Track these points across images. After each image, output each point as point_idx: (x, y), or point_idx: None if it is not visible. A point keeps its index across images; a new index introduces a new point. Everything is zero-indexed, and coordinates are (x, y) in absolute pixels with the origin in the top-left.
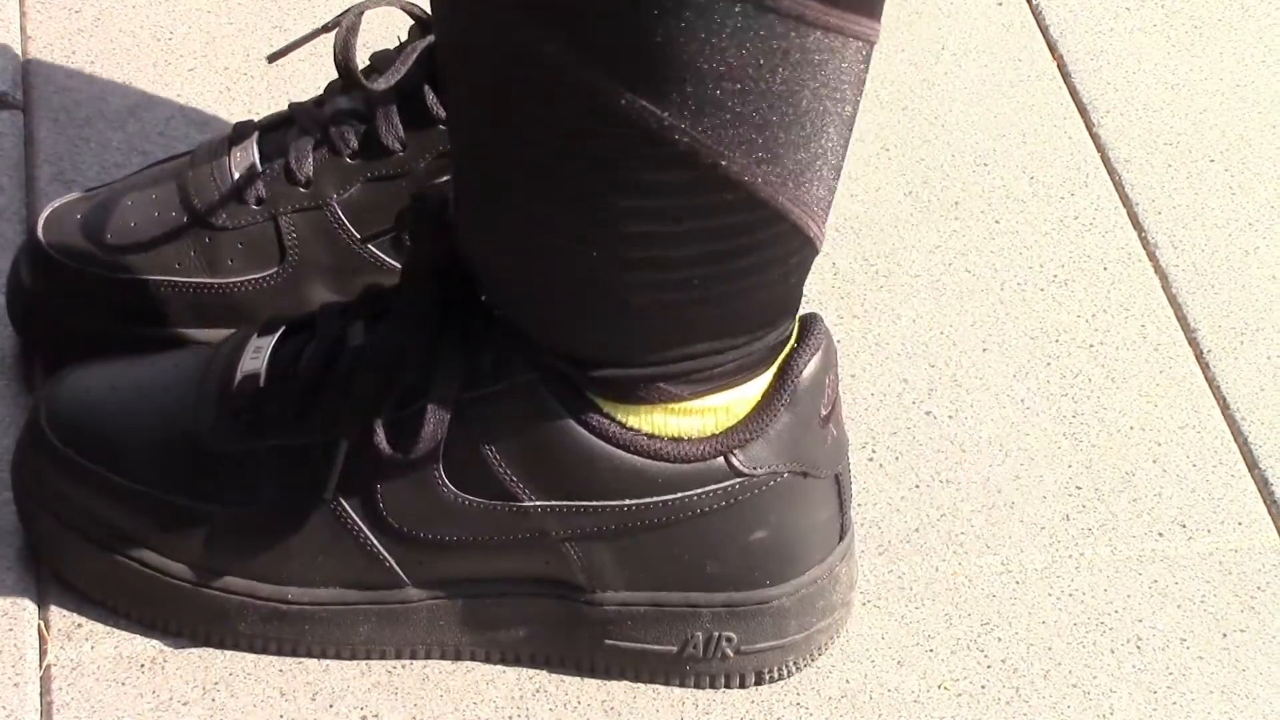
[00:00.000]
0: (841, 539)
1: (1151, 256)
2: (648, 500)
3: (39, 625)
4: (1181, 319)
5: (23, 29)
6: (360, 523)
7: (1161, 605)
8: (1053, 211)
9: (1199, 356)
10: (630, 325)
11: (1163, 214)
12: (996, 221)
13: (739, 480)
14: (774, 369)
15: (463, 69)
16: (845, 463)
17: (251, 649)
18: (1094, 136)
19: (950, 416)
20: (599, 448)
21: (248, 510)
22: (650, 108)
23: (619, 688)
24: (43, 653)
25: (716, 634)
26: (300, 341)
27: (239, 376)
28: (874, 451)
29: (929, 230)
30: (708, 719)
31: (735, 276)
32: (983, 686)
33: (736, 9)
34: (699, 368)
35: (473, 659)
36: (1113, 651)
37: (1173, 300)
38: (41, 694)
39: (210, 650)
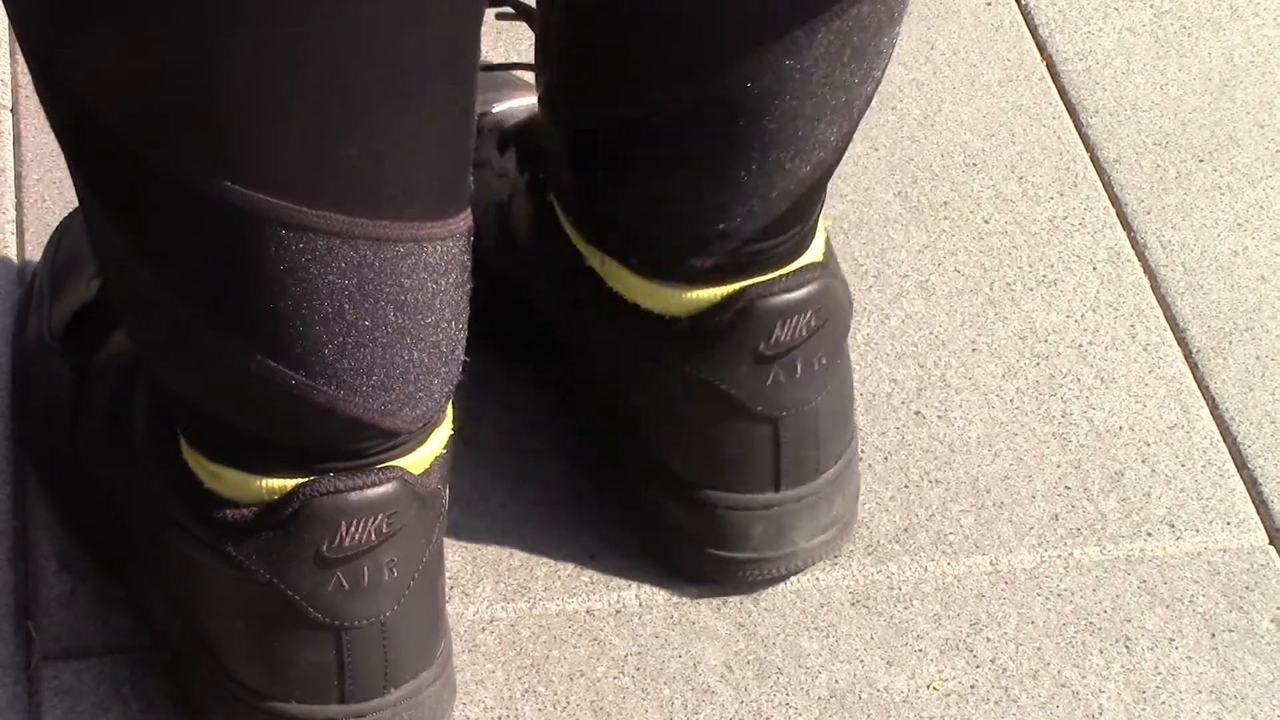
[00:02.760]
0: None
1: (1140, 256)
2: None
3: (27, 625)
4: (1170, 319)
5: (10, 29)
6: None
7: (1150, 605)
8: (1042, 211)
9: (1188, 356)
10: None
11: (1152, 214)
12: (986, 221)
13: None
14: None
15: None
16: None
17: None
18: (1083, 136)
19: (939, 416)
20: None
21: None
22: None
23: (609, 689)
24: (30, 652)
25: None
26: None
27: None
28: (863, 451)
29: (918, 230)
30: (696, 719)
31: None
32: (971, 686)
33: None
34: None
35: None
36: (1101, 651)
37: (1162, 300)
38: (30, 694)
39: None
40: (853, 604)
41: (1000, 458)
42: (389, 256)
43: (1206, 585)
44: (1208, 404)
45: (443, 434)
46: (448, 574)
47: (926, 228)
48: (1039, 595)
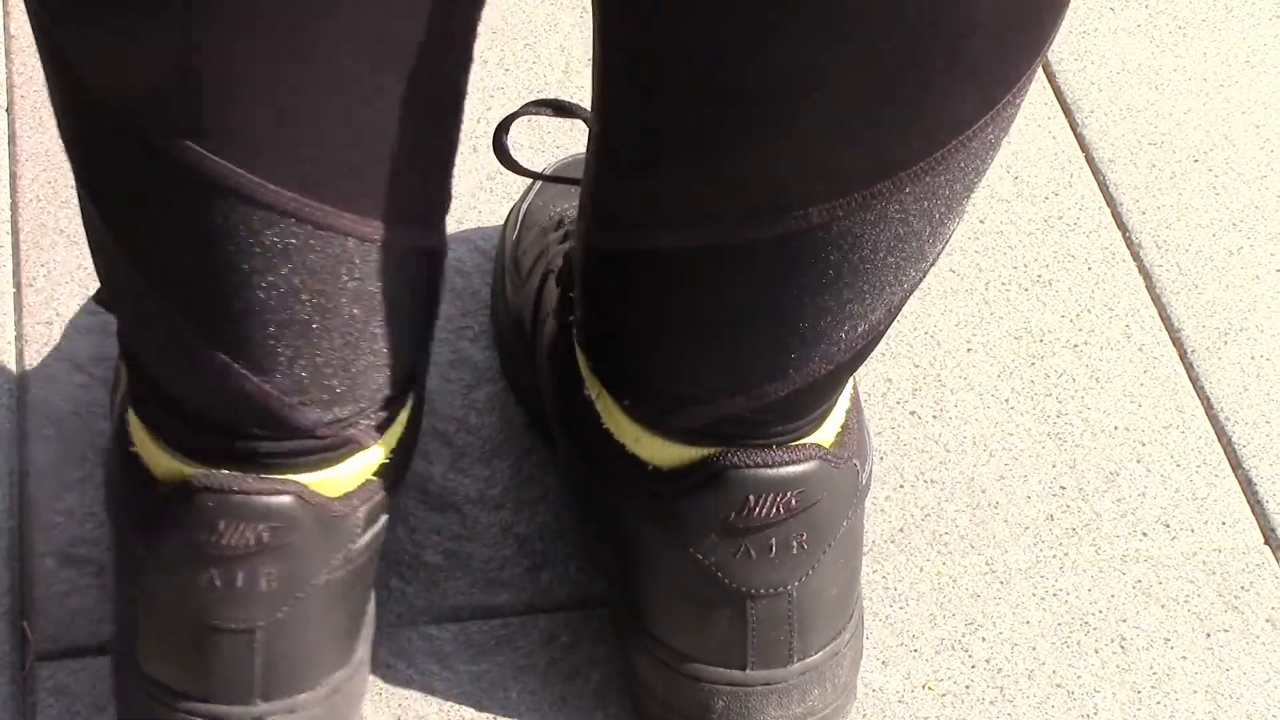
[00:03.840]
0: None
1: (1135, 256)
2: None
3: (23, 626)
4: (1165, 319)
5: (5, 28)
6: None
7: (1145, 605)
8: (1037, 211)
9: (1183, 356)
10: None
11: (1147, 214)
12: (981, 221)
13: None
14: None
15: None
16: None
17: None
18: (1078, 137)
19: (935, 416)
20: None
21: None
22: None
23: (605, 689)
24: (26, 653)
25: None
26: None
27: None
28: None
29: None
30: None
31: None
32: (967, 686)
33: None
34: None
35: None
36: (1097, 651)
37: (1157, 300)
38: (24, 693)
39: None
40: None
41: (995, 458)
42: (335, 249)
43: (1202, 585)
44: (1203, 404)
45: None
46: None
47: None
48: (1034, 595)
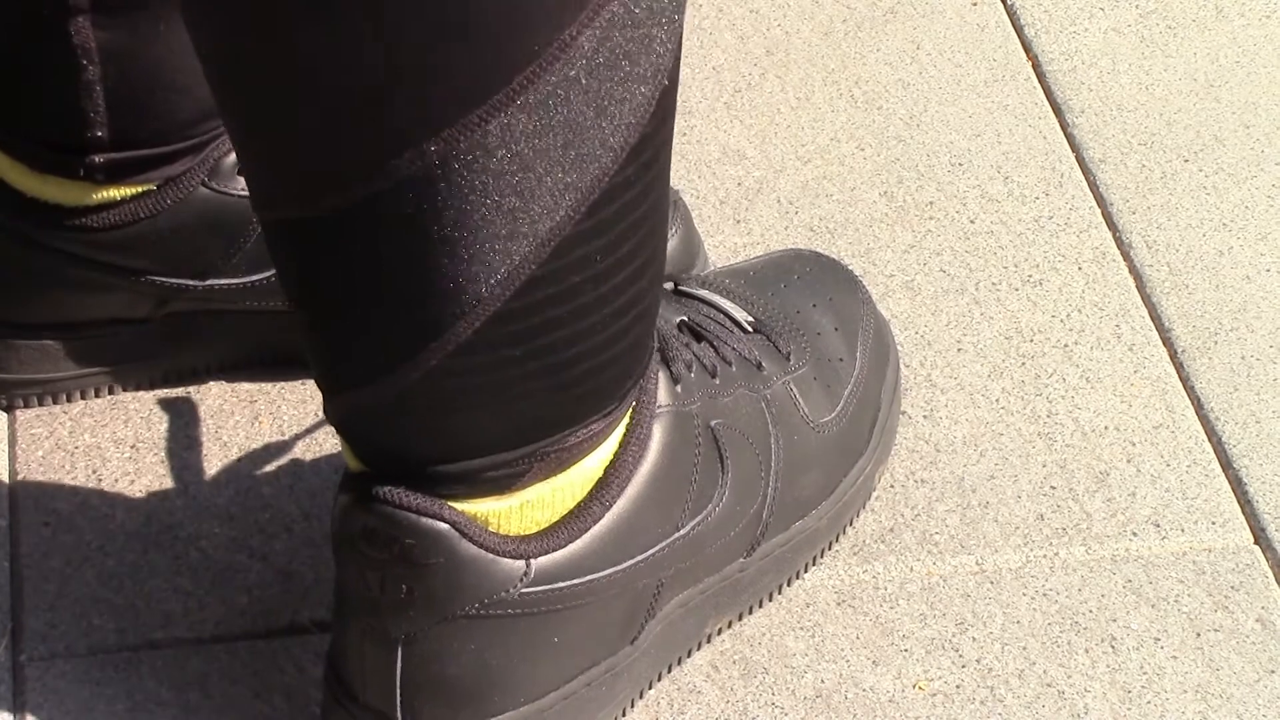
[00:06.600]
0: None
1: (1126, 256)
2: None
3: (12, 626)
4: (1156, 319)
5: None
6: None
7: (1135, 605)
8: (1027, 211)
9: (1173, 356)
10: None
11: (1137, 214)
12: (971, 221)
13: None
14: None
15: None
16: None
17: None
18: (1069, 137)
19: (925, 416)
20: None
21: None
22: None
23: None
24: (16, 651)
25: None
26: None
27: None
28: None
29: (904, 230)
30: (682, 718)
31: None
32: (957, 686)
33: None
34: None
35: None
36: (1087, 651)
37: (1147, 300)
38: (14, 693)
39: (183, 651)
40: (838, 604)
41: (986, 457)
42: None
43: (1192, 585)
44: (1193, 404)
45: None
46: None
47: (912, 227)
48: (1025, 595)
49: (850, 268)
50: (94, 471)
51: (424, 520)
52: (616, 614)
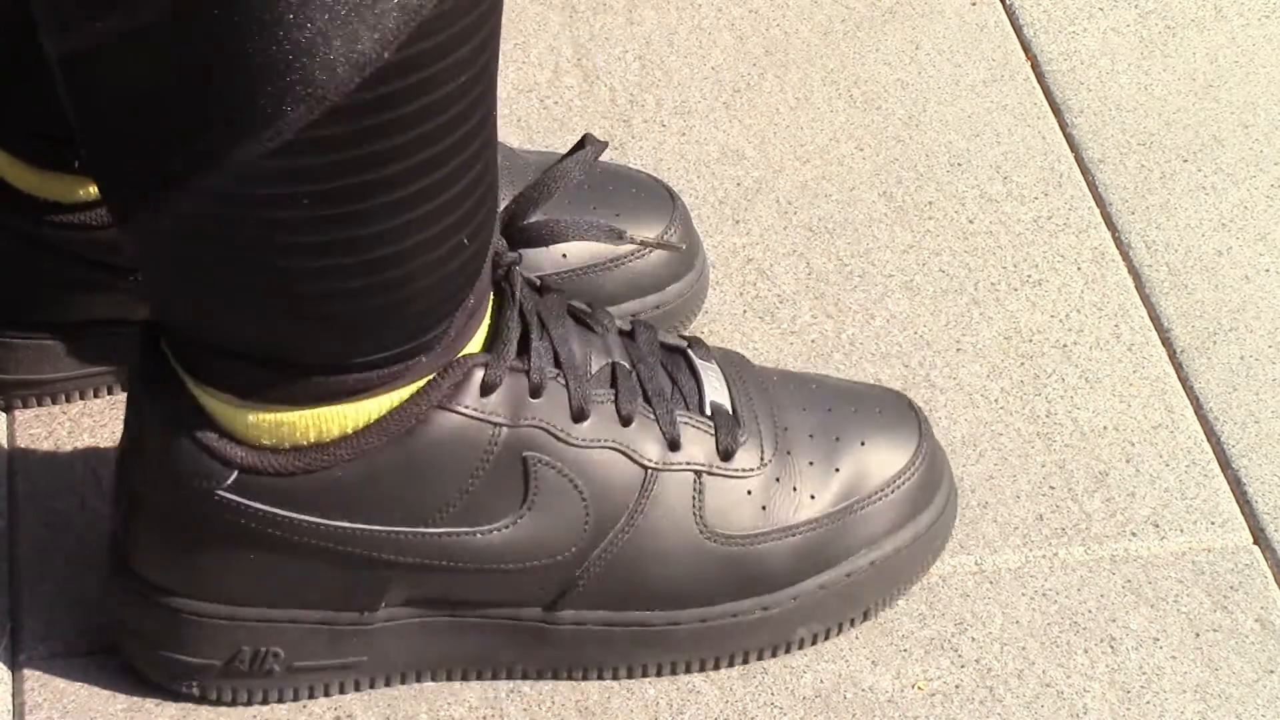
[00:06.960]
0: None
1: (1125, 257)
2: None
3: (11, 626)
4: (1155, 319)
5: None
6: None
7: (1135, 605)
8: (1026, 212)
9: (1172, 356)
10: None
11: (1136, 214)
12: (970, 221)
13: None
14: None
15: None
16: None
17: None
18: (1068, 137)
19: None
20: None
21: None
22: None
23: (593, 688)
24: (16, 651)
25: None
26: None
27: None
28: None
29: (903, 230)
30: (681, 718)
31: None
32: (956, 686)
33: None
34: None
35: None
36: (1086, 651)
37: (1146, 300)
38: (14, 694)
39: None
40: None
41: (985, 457)
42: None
43: (1191, 585)
44: (1192, 404)
45: None
46: None
47: (911, 228)
48: (1024, 595)
49: (943, 457)
50: (94, 471)
51: (151, 385)
52: (324, 569)
